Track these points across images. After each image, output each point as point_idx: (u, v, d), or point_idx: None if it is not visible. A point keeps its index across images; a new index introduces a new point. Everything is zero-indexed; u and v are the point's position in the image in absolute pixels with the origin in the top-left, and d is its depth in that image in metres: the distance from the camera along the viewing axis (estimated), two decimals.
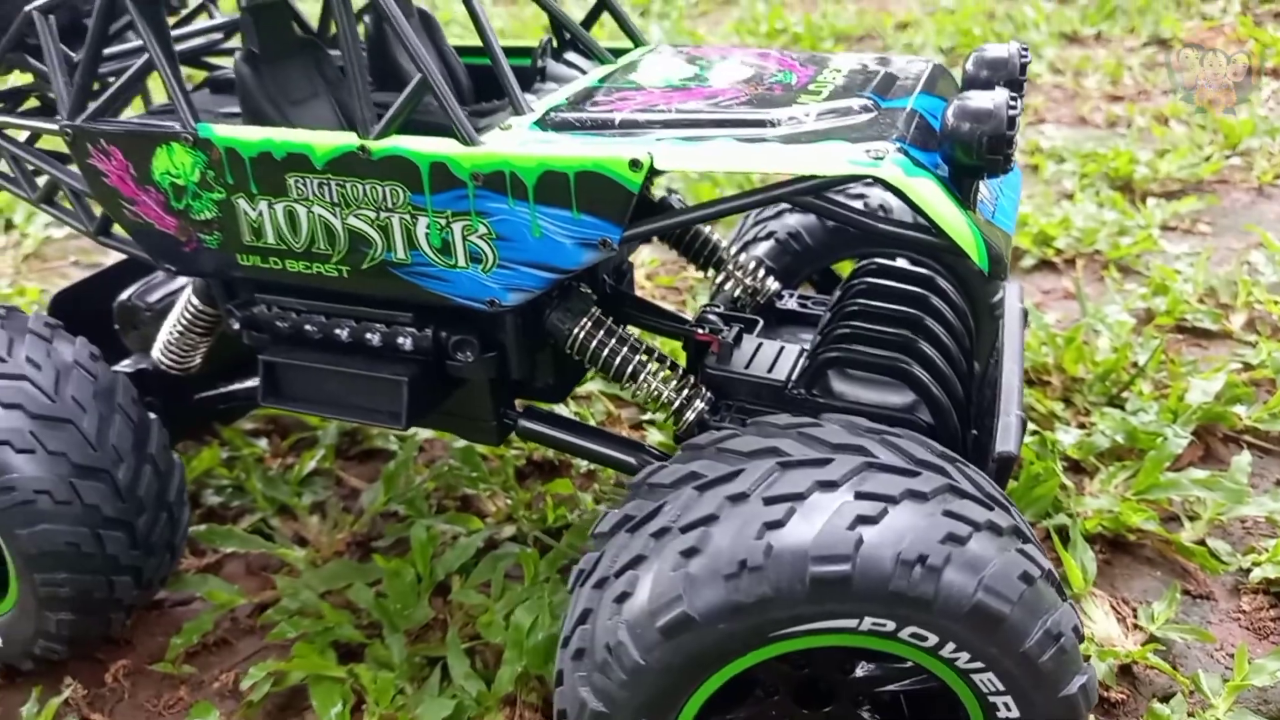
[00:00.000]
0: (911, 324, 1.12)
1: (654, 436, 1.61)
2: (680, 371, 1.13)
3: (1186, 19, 3.68)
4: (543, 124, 1.01)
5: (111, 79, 1.22)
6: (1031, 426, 1.56)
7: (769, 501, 0.77)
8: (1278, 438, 1.56)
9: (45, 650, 1.22)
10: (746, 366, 1.14)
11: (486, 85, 1.29)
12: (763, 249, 1.45)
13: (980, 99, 0.90)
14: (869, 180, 0.91)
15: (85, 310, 1.45)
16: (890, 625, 0.75)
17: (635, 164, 0.92)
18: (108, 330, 1.44)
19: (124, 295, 1.44)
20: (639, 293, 1.77)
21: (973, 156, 0.90)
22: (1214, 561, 1.31)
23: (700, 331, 1.18)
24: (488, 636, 1.23)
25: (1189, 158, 2.54)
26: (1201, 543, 1.35)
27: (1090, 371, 1.69)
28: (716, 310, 1.26)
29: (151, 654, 1.32)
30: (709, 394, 1.12)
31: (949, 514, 0.76)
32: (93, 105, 1.13)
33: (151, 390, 1.35)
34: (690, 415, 1.11)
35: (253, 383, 1.37)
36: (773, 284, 1.34)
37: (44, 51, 1.16)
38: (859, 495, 0.77)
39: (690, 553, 0.77)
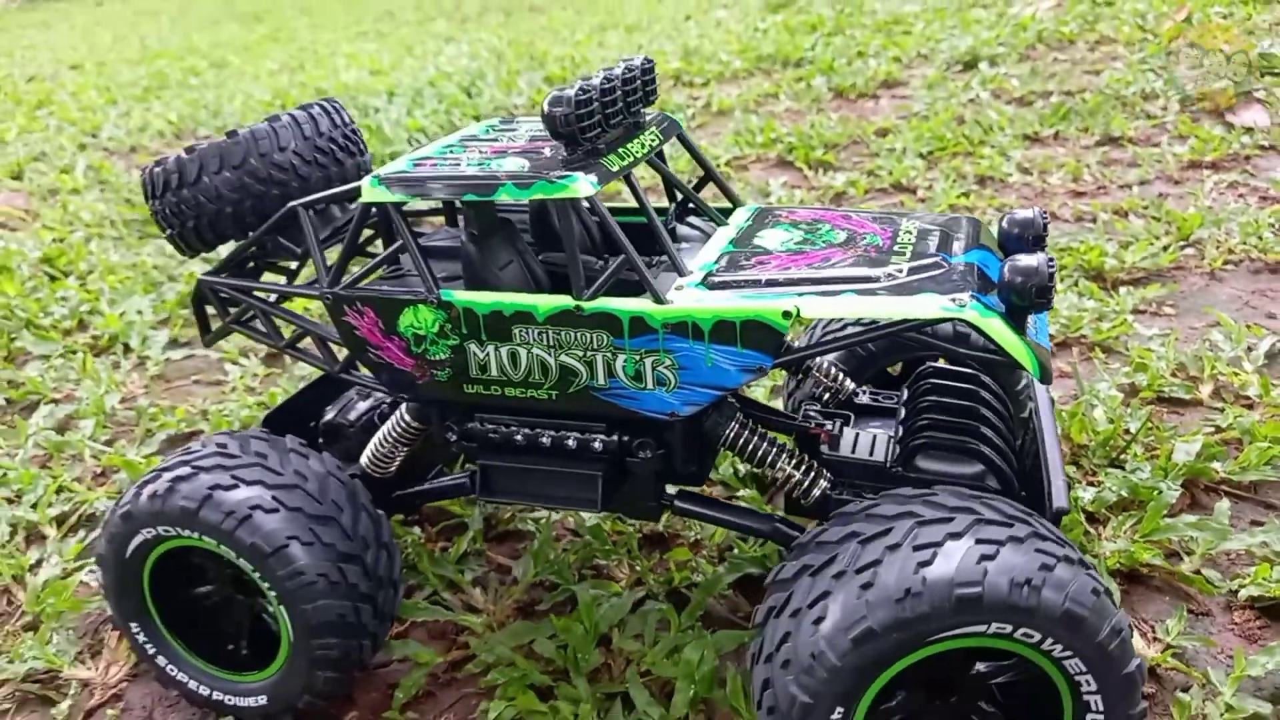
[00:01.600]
0: (972, 411, 1.50)
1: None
2: (804, 455, 1.50)
3: (1134, 119, 4.19)
4: (706, 284, 1.39)
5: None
6: None
7: (917, 548, 1.13)
8: (1248, 486, 1.94)
9: (308, 704, 1.53)
10: (852, 452, 1.51)
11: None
12: (834, 354, 1.83)
13: (1028, 260, 1.28)
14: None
15: (290, 427, 1.79)
16: (1009, 629, 1.10)
17: (787, 314, 1.29)
18: (310, 443, 1.78)
19: (329, 416, 1.78)
20: None
21: (1025, 300, 1.28)
22: (1209, 586, 1.68)
23: (814, 426, 1.55)
24: (658, 672, 1.56)
25: (1149, 248, 2.98)
26: (1198, 572, 1.71)
27: (1092, 439, 2.08)
28: (816, 408, 1.64)
29: (371, 707, 1.63)
30: (828, 474, 1.49)
31: (1039, 550, 1.13)
32: (348, 278, 1.50)
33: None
34: (816, 492, 1.47)
35: (441, 482, 1.72)
36: (849, 383, 1.72)
37: (307, 236, 1.52)
38: (978, 540, 1.13)
39: (866, 586, 1.12)
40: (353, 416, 1.78)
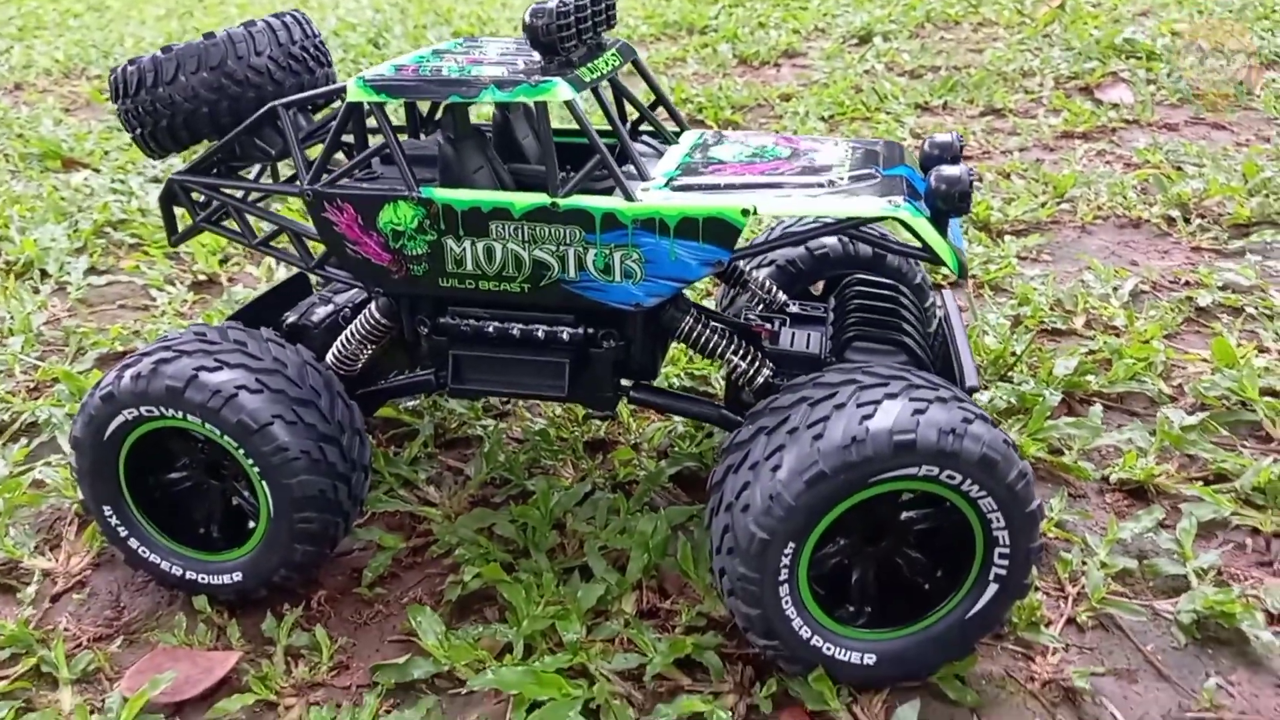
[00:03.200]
0: (893, 313, 1.70)
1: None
2: (749, 347, 1.67)
3: (1013, 93, 4.53)
4: (670, 187, 1.54)
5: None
6: None
7: (859, 405, 1.32)
8: (1116, 396, 2.22)
9: (283, 579, 1.63)
10: (790, 345, 1.70)
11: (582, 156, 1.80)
12: (766, 272, 2.01)
13: (952, 170, 1.48)
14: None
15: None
16: (936, 471, 1.30)
17: (746, 211, 1.46)
18: None
19: (292, 317, 1.86)
20: None
21: (949, 204, 1.48)
22: (1086, 472, 1.93)
23: (756, 324, 1.73)
24: (613, 544, 1.72)
25: (1029, 204, 3.28)
26: (1076, 463, 1.97)
27: (985, 358, 2.33)
28: (757, 311, 1.81)
29: (339, 588, 1.73)
30: (770, 364, 1.66)
31: (961, 408, 1.33)
32: (329, 175, 1.58)
33: None
34: (760, 380, 1.65)
35: (405, 379, 1.83)
36: (781, 295, 1.91)
37: (286, 135, 1.60)
38: (910, 400, 1.32)
39: (818, 437, 1.30)
40: (315, 318, 1.86)
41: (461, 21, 6.31)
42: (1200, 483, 1.89)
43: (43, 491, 1.94)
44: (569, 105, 1.48)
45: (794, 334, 1.74)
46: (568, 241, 1.51)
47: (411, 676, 1.51)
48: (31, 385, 2.34)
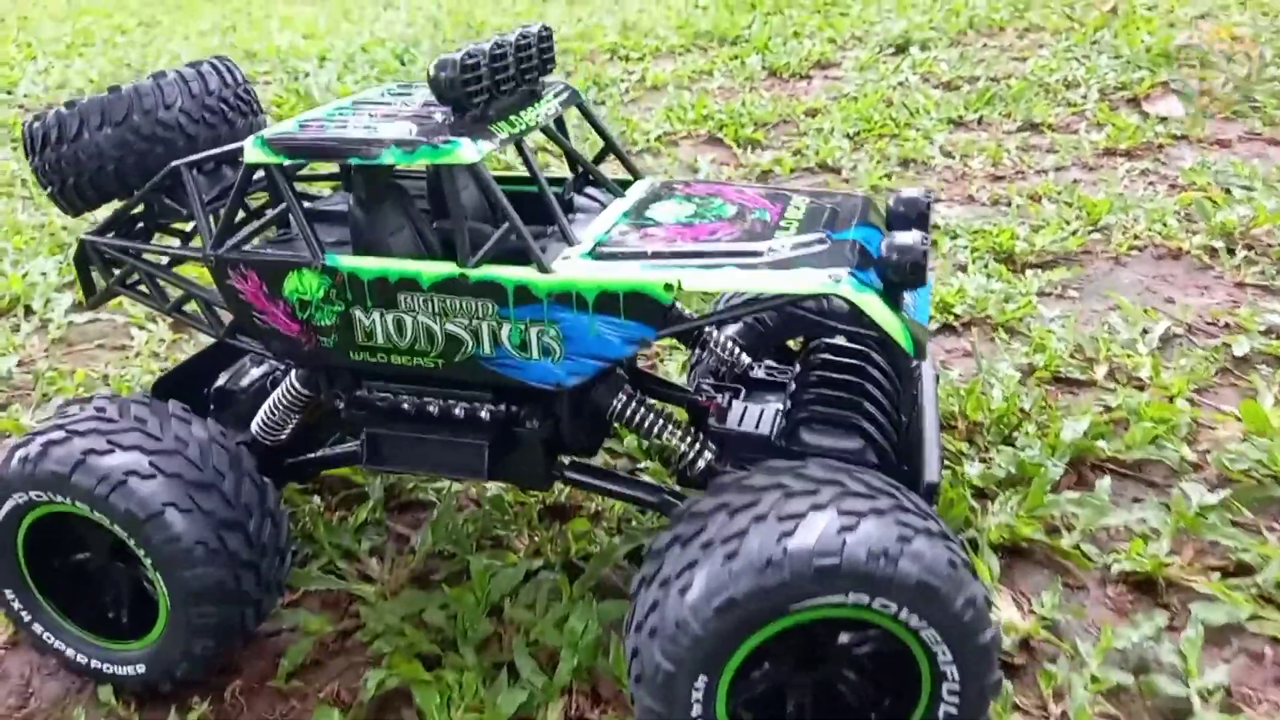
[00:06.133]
0: (857, 387, 1.53)
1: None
2: (691, 428, 1.51)
3: (1055, 105, 4.27)
4: (594, 254, 1.38)
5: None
6: (945, 461, 1.98)
7: (781, 519, 1.15)
8: (1132, 464, 2.01)
9: (186, 672, 1.52)
10: (739, 425, 1.53)
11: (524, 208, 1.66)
12: (732, 330, 1.85)
13: (904, 238, 1.31)
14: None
15: (181, 393, 1.75)
16: (866, 599, 1.13)
17: (669, 286, 1.30)
18: (200, 409, 1.74)
19: (220, 382, 1.75)
20: None
21: (900, 277, 1.30)
22: (1086, 561, 1.73)
23: (703, 399, 1.57)
24: (545, 641, 1.57)
25: (1059, 233, 3.05)
26: (1077, 547, 1.77)
27: (987, 417, 2.13)
28: (709, 381, 1.65)
29: (258, 676, 1.61)
30: (713, 446, 1.50)
31: (899, 523, 1.15)
32: (231, 240, 1.47)
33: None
34: (701, 463, 1.49)
35: (333, 451, 1.71)
36: (745, 358, 1.74)
37: (190, 197, 1.49)
38: (840, 512, 1.15)
39: (731, 556, 1.14)
40: (245, 383, 1.75)
41: (492, 35, 6.21)
42: (1218, 575, 1.68)
43: None
44: (473, 169, 1.34)
45: (745, 408, 1.58)
46: (480, 315, 1.38)
47: None
48: None
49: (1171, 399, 2.17)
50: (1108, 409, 2.16)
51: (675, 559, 1.20)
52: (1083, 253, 2.99)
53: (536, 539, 1.85)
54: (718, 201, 1.55)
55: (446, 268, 1.36)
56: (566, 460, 1.59)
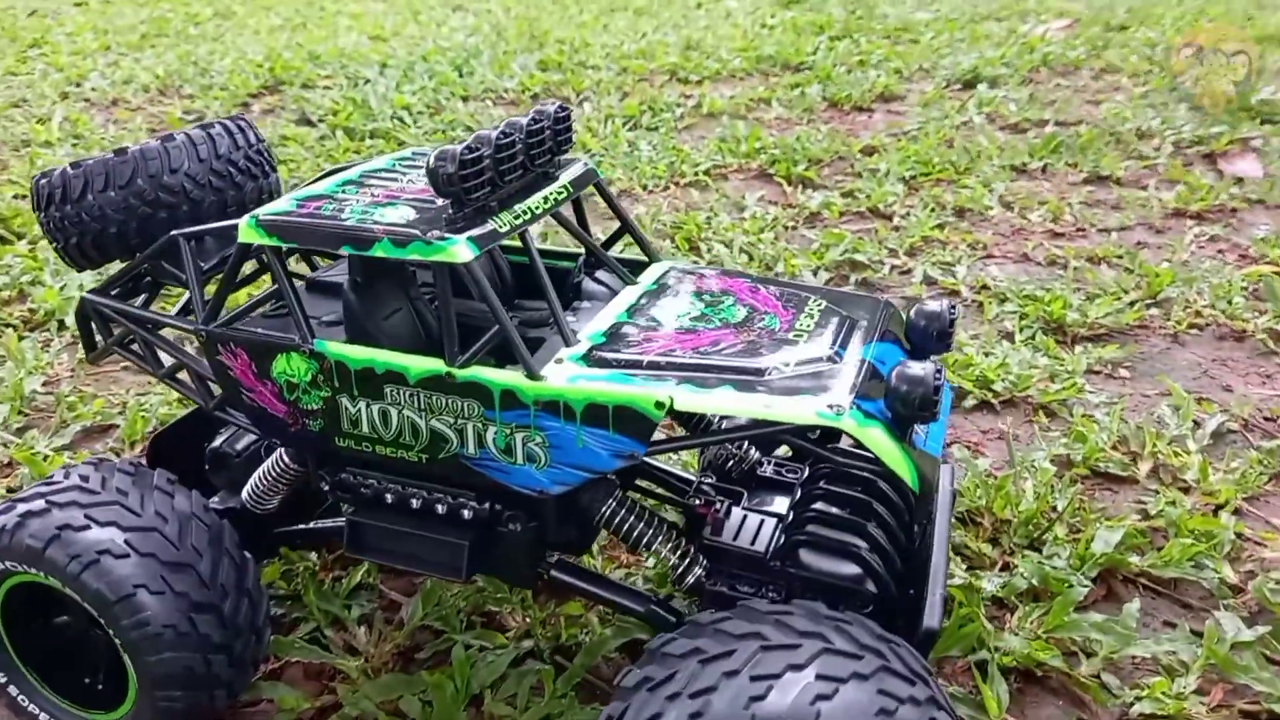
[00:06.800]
0: (863, 507, 1.44)
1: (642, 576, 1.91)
2: (682, 539, 1.44)
3: (1125, 158, 4.09)
4: (587, 359, 1.32)
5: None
6: (963, 568, 1.88)
7: (754, 679, 1.07)
8: (1167, 581, 1.88)
9: None
10: (735, 537, 1.45)
11: (527, 280, 1.59)
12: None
13: (915, 369, 1.22)
14: None
15: (180, 448, 1.73)
16: None
17: (660, 404, 1.23)
18: (199, 465, 1.72)
19: (216, 443, 1.72)
20: None
21: (908, 410, 1.22)
22: (1104, 695, 1.62)
23: (699, 505, 1.49)
24: None
25: (1115, 304, 2.90)
26: (1096, 677, 1.66)
27: (1016, 516, 2.02)
28: (709, 482, 1.58)
29: None
30: (705, 560, 1.43)
31: (882, 692, 1.06)
32: (224, 316, 1.43)
33: (239, 524, 1.63)
34: (690, 579, 1.41)
35: (325, 523, 1.67)
36: (754, 453, 1.66)
37: (185, 268, 1.46)
38: (819, 676, 1.07)
39: (696, 715, 1.07)
40: (240, 446, 1.71)
41: (555, 48, 6.18)
42: None
43: None
44: (466, 270, 1.28)
45: (745, 517, 1.49)
46: (465, 415, 1.32)
47: None
48: (5, 462, 2.29)
49: (1218, 509, 2.04)
50: (1146, 515, 2.04)
51: (640, 706, 1.12)
52: (1139, 327, 2.85)
53: (529, 619, 1.79)
54: (728, 301, 1.47)
55: (434, 364, 1.31)
56: (554, 558, 1.52)
